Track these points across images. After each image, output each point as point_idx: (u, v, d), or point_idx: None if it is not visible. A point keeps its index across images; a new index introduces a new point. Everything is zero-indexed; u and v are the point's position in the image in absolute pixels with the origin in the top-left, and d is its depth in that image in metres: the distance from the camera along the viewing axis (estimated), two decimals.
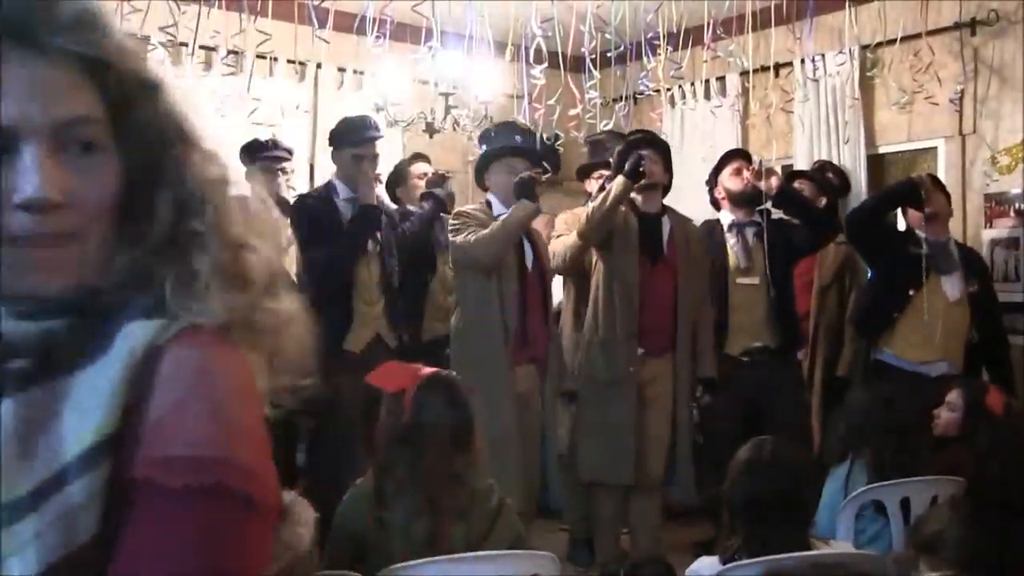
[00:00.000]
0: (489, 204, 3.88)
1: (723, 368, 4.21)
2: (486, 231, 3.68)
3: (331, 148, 4.06)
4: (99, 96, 0.79)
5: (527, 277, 3.85)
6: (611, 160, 4.32)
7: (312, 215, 3.91)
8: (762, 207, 4.31)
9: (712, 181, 4.46)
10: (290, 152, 4.52)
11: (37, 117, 0.75)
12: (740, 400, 4.18)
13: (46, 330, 0.76)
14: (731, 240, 4.29)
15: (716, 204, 4.48)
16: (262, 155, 4.37)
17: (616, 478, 3.91)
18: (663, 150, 4.14)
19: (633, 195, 3.98)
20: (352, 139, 3.95)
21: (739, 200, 4.33)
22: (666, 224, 4.07)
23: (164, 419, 0.76)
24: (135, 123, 0.81)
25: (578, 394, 4.02)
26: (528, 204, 3.70)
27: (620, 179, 3.80)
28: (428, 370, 2.43)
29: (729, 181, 4.36)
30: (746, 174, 4.33)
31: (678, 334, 3.99)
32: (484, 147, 3.98)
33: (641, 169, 3.79)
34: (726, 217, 4.38)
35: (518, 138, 3.95)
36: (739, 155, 4.51)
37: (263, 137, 4.46)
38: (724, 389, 4.19)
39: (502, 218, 3.72)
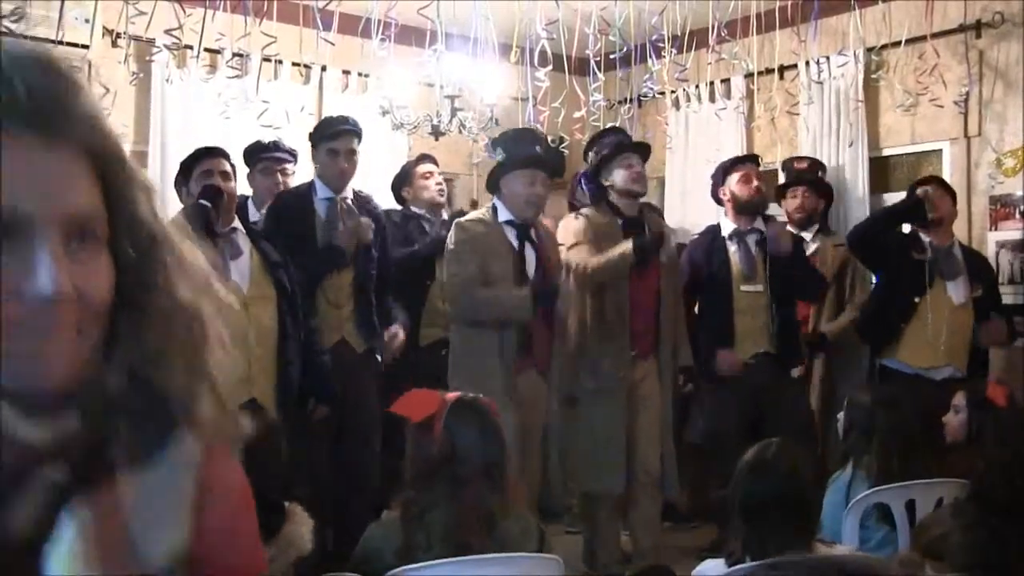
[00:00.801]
0: (495, 210, 3.83)
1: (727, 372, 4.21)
2: (484, 297, 3.68)
3: (312, 145, 4.01)
4: (100, 192, 0.79)
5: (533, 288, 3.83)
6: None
7: (285, 213, 3.90)
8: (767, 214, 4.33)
9: (719, 180, 4.45)
10: (293, 154, 4.51)
11: (54, 208, 0.74)
12: (744, 404, 4.18)
13: (66, 430, 0.75)
14: (732, 247, 4.29)
15: (719, 202, 4.48)
16: (264, 156, 4.37)
17: (608, 487, 3.92)
18: (645, 153, 4.15)
19: (617, 200, 4.01)
20: (327, 133, 3.94)
21: (744, 208, 4.33)
22: (646, 226, 4.07)
23: (223, 534, 0.82)
24: (129, 222, 0.81)
25: (569, 402, 4.01)
26: (523, 302, 3.68)
27: (628, 251, 3.81)
28: (453, 395, 2.33)
29: (737, 187, 4.34)
30: (755, 182, 4.32)
31: (662, 335, 4.04)
32: (499, 151, 3.93)
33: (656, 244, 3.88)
34: (727, 225, 4.37)
35: (538, 148, 3.95)
36: (748, 160, 4.49)
37: (266, 139, 4.46)
38: (727, 394, 4.18)
39: (500, 300, 3.69)
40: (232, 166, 3.58)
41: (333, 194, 3.89)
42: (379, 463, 3.83)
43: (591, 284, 3.91)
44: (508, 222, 3.82)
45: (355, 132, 3.97)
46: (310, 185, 4.01)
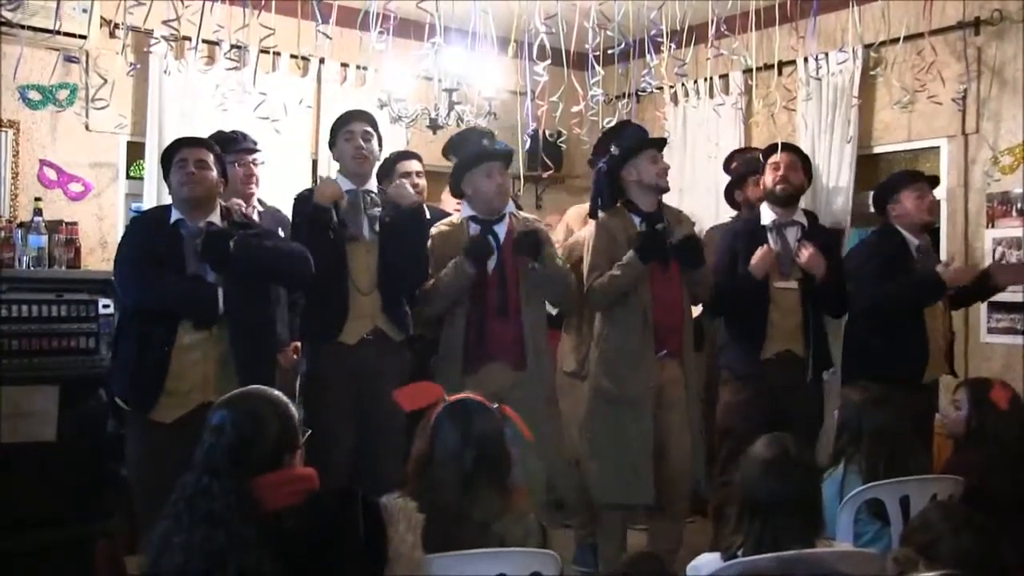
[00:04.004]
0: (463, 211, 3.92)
1: (753, 370, 4.13)
2: (429, 285, 3.80)
3: (331, 144, 4.00)
4: None
5: (488, 281, 3.80)
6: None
7: (309, 205, 3.82)
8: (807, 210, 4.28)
9: (761, 170, 4.40)
10: (257, 145, 4.43)
11: None
12: (762, 403, 4.07)
13: None
14: (771, 241, 4.14)
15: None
16: (235, 149, 4.26)
17: (637, 497, 3.80)
18: (663, 148, 4.07)
19: (638, 196, 3.94)
20: (339, 121, 3.95)
21: (769, 198, 4.26)
22: (665, 219, 3.96)
23: None
24: None
25: (592, 411, 3.91)
26: (467, 267, 3.71)
27: (636, 262, 3.76)
28: (458, 396, 2.34)
29: (767, 175, 4.28)
30: (781, 171, 4.21)
31: (684, 335, 3.93)
32: (451, 157, 4.00)
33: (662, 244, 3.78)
34: (767, 215, 4.25)
35: (486, 142, 3.97)
36: (786, 149, 4.34)
37: (229, 131, 4.37)
38: (747, 391, 4.10)
39: (439, 276, 3.76)
40: (216, 155, 3.57)
41: (354, 186, 3.86)
42: (402, 457, 3.81)
43: (608, 300, 3.88)
44: (471, 218, 3.86)
45: (365, 115, 3.98)
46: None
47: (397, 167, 4.54)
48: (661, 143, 4.12)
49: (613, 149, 3.99)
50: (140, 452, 3.44)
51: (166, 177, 3.57)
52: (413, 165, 4.58)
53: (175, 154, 3.51)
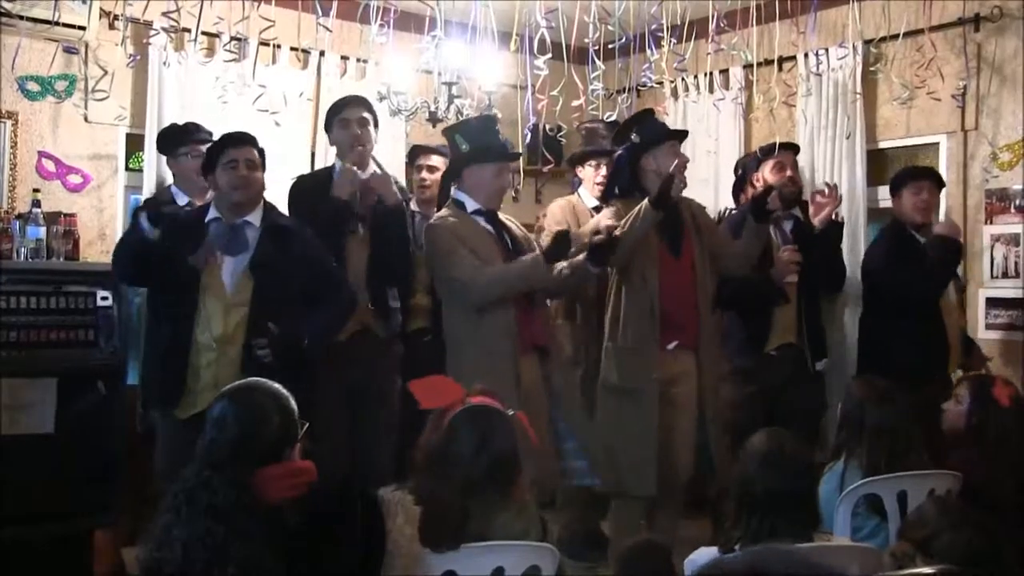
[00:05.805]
0: (459, 203, 3.72)
1: (757, 365, 4.13)
2: (489, 275, 3.54)
3: (327, 129, 4.09)
4: None
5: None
6: (606, 148, 4.30)
7: (305, 199, 3.87)
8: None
9: (753, 167, 4.40)
10: (211, 136, 4.29)
11: None
12: (765, 397, 4.09)
13: None
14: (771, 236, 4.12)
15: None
16: (189, 140, 4.21)
17: (638, 489, 3.76)
18: (681, 140, 4.05)
19: (653, 187, 3.92)
20: (336, 107, 3.99)
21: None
22: (683, 213, 3.94)
23: None
24: None
25: (600, 401, 3.87)
26: (542, 264, 3.55)
27: (648, 208, 3.65)
28: (476, 399, 2.33)
29: (770, 175, 4.29)
30: (788, 171, 4.23)
31: (701, 327, 3.84)
32: (461, 140, 3.77)
33: (673, 193, 3.66)
34: None
35: (503, 138, 3.88)
36: (785, 148, 4.37)
37: (183, 123, 4.36)
38: (750, 386, 4.10)
39: (510, 268, 3.56)
40: (260, 152, 3.55)
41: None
42: (396, 452, 3.82)
43: (625, 259, 3.77)
44: (476, 212, 3.72)
45: (362, 101, 4.01)
46: (331, 168, 4.03)
47: (418, 160, 4.64)
48: (683, 135, 4.10)
49: (634, 136, 3.91)
50: (160, 445, 3.52)
51: (206, 175, 3.56)
52: (432, 160, 4.60)
53: (221, 153, 3.47)
